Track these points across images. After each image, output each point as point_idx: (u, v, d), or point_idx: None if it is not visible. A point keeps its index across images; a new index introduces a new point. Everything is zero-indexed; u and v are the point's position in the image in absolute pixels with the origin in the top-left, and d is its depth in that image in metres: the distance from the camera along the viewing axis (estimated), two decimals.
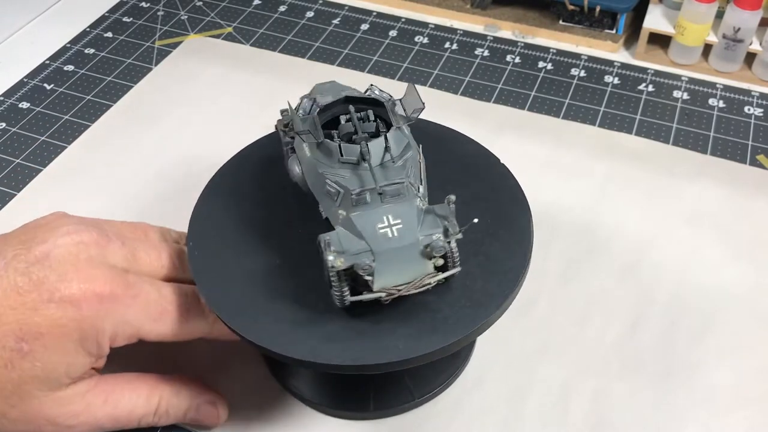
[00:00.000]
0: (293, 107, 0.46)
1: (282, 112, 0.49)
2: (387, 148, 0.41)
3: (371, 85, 0.46)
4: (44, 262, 0.41)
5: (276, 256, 0.46)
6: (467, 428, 0.50)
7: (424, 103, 0.43)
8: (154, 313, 0.44)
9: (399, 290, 0.40)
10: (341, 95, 0.46)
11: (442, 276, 0.41)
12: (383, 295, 0.40)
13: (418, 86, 0.52)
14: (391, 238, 0.39)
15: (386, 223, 0.40)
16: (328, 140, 0.42)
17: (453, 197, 0.40)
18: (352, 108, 0.44)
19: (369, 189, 0.40)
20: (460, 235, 0.40)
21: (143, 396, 0.46)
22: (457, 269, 0.42)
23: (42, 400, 0.42)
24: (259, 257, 0.46)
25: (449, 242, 0.40)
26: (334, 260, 0.39)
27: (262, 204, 0.49)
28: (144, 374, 0.48)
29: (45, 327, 0.40)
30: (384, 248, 0.39)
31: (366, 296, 0.40)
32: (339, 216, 0.40)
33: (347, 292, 0.40)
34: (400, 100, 0.45)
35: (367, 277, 0.39)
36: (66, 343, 0.41)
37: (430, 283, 0.41)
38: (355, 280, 0.40)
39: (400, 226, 0.40)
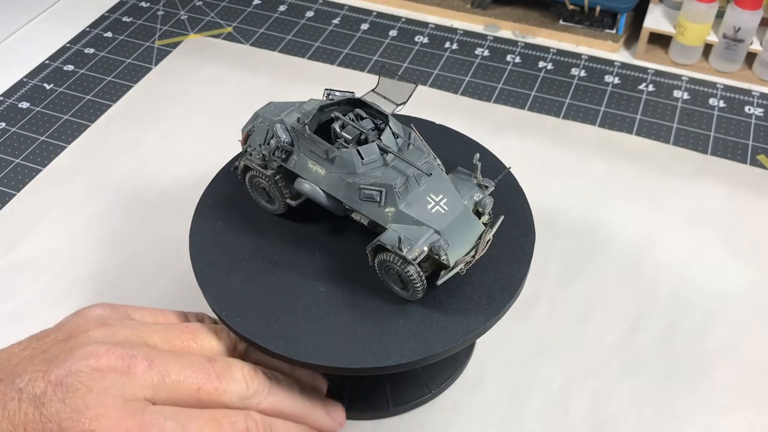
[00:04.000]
0: (250, 127, 0.46)
1: (249, 151, 0.46)
2: (395, 135, 0.42)
3: (326, 89, 0.46)
4: (57, 392, 0.38)
5: (278, 259, 0.46)
6: (467, 429, 0.50)
7: (416, 83, 0.45)
8: None
9: (473, 257, 0.41)
10: (288, 110, 0.45)
11: (496, 227, 0.43)
12: (462, 266, 0.41)
13: (418, 86, 0.52)
14: (444, 213, 0.41)
15: (433, 202, 0.41)
16: (344, 149, 0.42)
17: (478, 155, 0.43)
18: (340, 113, 0.44)
19: (407, 176, 0.41)
20: (493, 187, 0.43)
21: None
22: (502, 217, 0.44)
23: None
24: (261, 260, 0.46)
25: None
26: (412, 252, 0.39)
27: (259, 209, 0.49)
28: None
29: None
30: (444, 224, 0.40)
31: (448, 274, 0.41)
32: (388, 215, 0.41)
33: (425, 281, 0.41)
34: (373, 90, 0.45)
35: (444, 256, 0.40)
36: None
37: (490, 239, 0.42)
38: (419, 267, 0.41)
39: (445, 199, 0.41)
